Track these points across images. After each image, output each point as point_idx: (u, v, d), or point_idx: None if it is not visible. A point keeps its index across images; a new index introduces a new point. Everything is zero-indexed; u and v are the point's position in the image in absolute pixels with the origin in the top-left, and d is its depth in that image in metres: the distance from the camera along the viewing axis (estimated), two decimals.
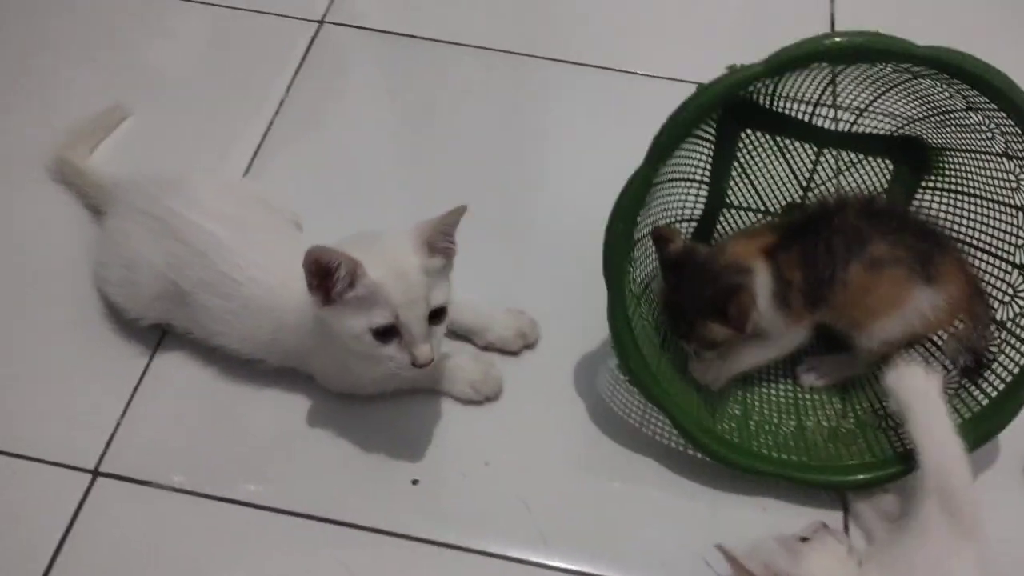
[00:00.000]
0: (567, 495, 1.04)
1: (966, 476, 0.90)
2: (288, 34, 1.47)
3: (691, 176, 1.12)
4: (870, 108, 1.04)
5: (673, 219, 1.12)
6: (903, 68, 0.88)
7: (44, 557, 0.96)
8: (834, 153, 1.11)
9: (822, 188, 1.13)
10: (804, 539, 0.90)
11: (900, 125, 1.06)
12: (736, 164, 1.13)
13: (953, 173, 1.07)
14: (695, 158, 1.10)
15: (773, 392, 1.12)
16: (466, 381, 1.09)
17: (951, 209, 1.07)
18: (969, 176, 1.04)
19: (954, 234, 1.05)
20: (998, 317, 1.02)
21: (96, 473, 1.02)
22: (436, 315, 0.93)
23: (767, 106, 1.07)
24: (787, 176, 1.14)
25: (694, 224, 1.15)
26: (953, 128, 1.00)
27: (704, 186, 1.14)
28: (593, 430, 1.09)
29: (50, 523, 0.99)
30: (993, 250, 1.02)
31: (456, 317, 1.11)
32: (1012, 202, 0.99)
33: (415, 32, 1.49)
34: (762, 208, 1.16)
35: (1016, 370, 0.97)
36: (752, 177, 1.13)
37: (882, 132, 1.08)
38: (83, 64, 1.42)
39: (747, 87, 0.88)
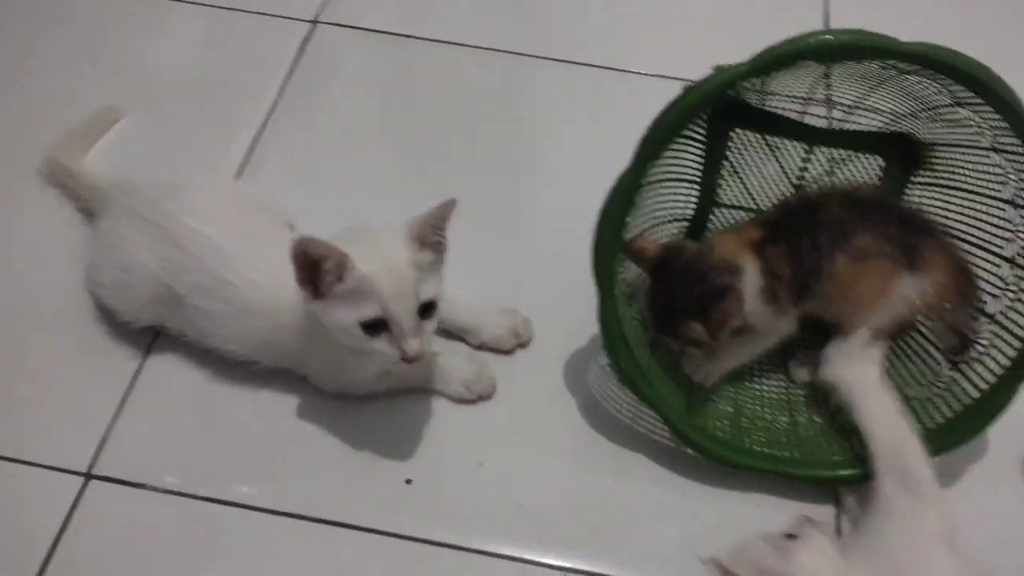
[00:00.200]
0: (561, 493, 1.04)
1: (917, 449, 0.94)
2: (281, 34, 1.47)
3: (682, 176, 1.12)
4: (859, 105, 1.04)
5: (664, 219, 1.12)
6: (890, 65, 0.88)
7: (36, 560, 0.96)
8: (824, 151, 1.11)
9: (813, 186, 1.13)
10: (791, 536, 0.90)
11: (889, 122, 1.06)
12: (726, 163, 1.13)
13: (943, 168, 1.07)
14: (686, 158, 1.10)
15: (765, 389, 1.11)
16: (460, 380, 1.09)
17: (941, 204, 1.07)
18: (958, 171, 1.05)
19: (944, 229, 1.05)
20: (989, 310, 1.02)
21: (89, 476, 1.02)
22: (426, 309, 0.93)
23: (757, 105, 1.07)
24: (778, 174, 1.14)
25: (686, 224, 1.15)
26: (941, 124, 1.00)
27: (695, 186, 1.14)
28: (586, 428, 1.09)
29: (43, 526, 0.99)
30: (983, 244, 1.03)
31: (449, 316, 1.12)
32: (1000, 196, 0.99)
33: (409, 32, 1.49)
34: (753, 207, 1.16)
35: (1007, 362, 0.97)
36: (743, 176, 1.13)
37: (872, 129, 1.08)
38: (75, 66, 1.41)
39: (734, 87, 0.87)
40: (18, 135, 1.31)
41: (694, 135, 1.08)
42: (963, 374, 1.02)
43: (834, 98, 1.04)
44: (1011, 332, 0.98)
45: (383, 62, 1.48)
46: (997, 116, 0.86)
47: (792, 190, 1.14)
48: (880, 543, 0.91)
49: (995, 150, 0.95)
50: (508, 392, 1.11)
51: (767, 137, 1.11)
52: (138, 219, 1.06)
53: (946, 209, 1.06)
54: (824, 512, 1.03)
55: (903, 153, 1.09)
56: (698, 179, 1.14)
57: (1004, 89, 0.84)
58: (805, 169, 1.13)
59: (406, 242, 0.91)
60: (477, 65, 1.46)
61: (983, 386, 0.99)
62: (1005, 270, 1.00)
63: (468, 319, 1.13)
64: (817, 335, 1.08)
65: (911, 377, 1.08)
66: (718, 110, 1.06)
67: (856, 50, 0.83)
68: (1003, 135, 0.90)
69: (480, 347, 1.14)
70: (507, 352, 1.14)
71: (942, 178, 1.07)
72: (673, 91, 0.87)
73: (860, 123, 1.08)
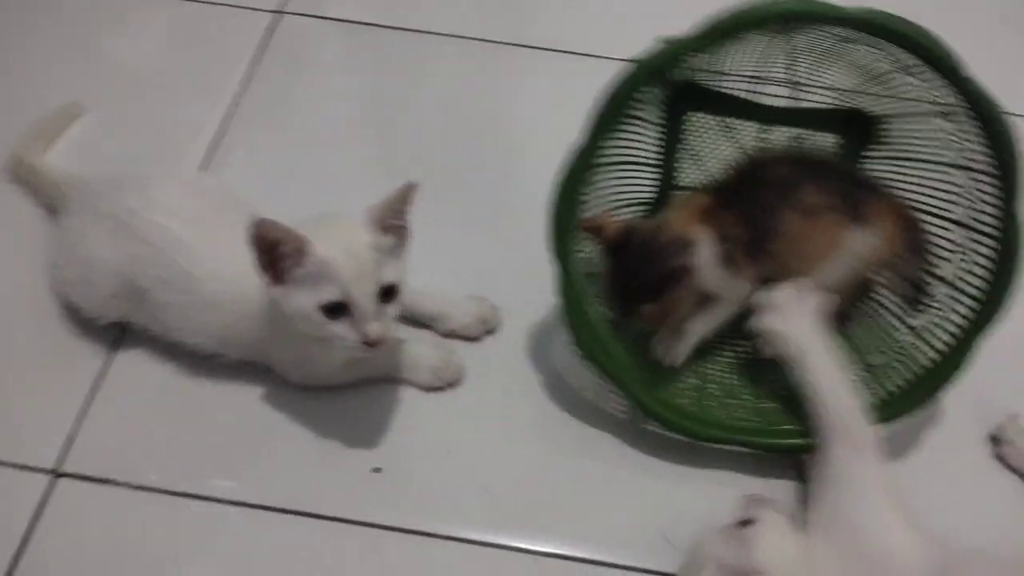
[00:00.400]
0: (529, 477, 1.05)
1: (857, 407, 0.94)
2: (245, 25, 1.46)
3: (641, 160, 1.12)
4: (811, 83, 1.04)
5: (626, 203, 1.12)
6: (835, 34, 0.88)
7: (5, 560, 0.96)
8: (780, 130, 1.12)
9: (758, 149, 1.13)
10: (745, 522, 0.90)
11: (841, 97, 1.07)
12: (684, 146, 1.13)
13: (894, 140, 1.08)
14: (644, 141, 1.10)
15: (729, 358, 1.12)
16: (428, 368, 1.09)
17: (896, 175, 1.07)
18: (908, 141, 1.06)
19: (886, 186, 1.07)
20: (943, 274, 1.03)
21: (57, 474, 1.02)
22: (388, 293, 0.93)
23: (710, 87, 1.07)
24: (735, 155, 1.14)
25: (647, 207, 1.15)
26: (890, 96, 1.00)
27: (655, 169, 1.14)
28: (554, 411, 1.10)
29: (10, 525, 0.98)
30: (936, 210, 1.04)
31: (417, 305, 1.12)
32: (946, 160, 1.00)
33: (375, 20, 1.49)
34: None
35: (963, 322, 0.99)
36: (701, 158, 1.13)
37: (825, 106, 1.08)
38: (37, 62, 1.40)
39: (681, 59, 0.87)
40: None
41: (652, 119, 1.08)
42: (922, 339, 1.04)
43: (784, 75, 1.05)
44: (964, 292, 0.99)
45: (350, 51, 1.47)
46: (939, 77, 0.87)
47: None
48: (833, 511, 0.91)
49: (942, 115, 0.96)
50: (477, 379, 1.11)
51: (723, 119, 1.11)
52: (99, 214, 1.05)
53: (901, 179, 1.07)
54: (787, 488, 1.04)
55: (857, 129, 1.10)
56: (658, 163, 1.14)
57: (944, 51, 0.84)
58: (762, 149, 1.14)
59: (366, 226, 0.92)
60: (445, 53, 1.46)
61: (941, 347, 1.01)
62: (957, 233, 1.01)
63: (436, 307, 1.13)
64: None
65: (872, 345, 1.09)
66: (673, 93, 1.06)
67: (800, 17, 0.84)
68: (945, 97, 0.91)
69: (448, 335, 1.14)
70: (475, 339, 1.14)
71: (894, 149, 1.08)
72: None
73: (814, 101, 1.08)
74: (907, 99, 0.99)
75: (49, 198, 1.20)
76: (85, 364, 1.10)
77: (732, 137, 1.11)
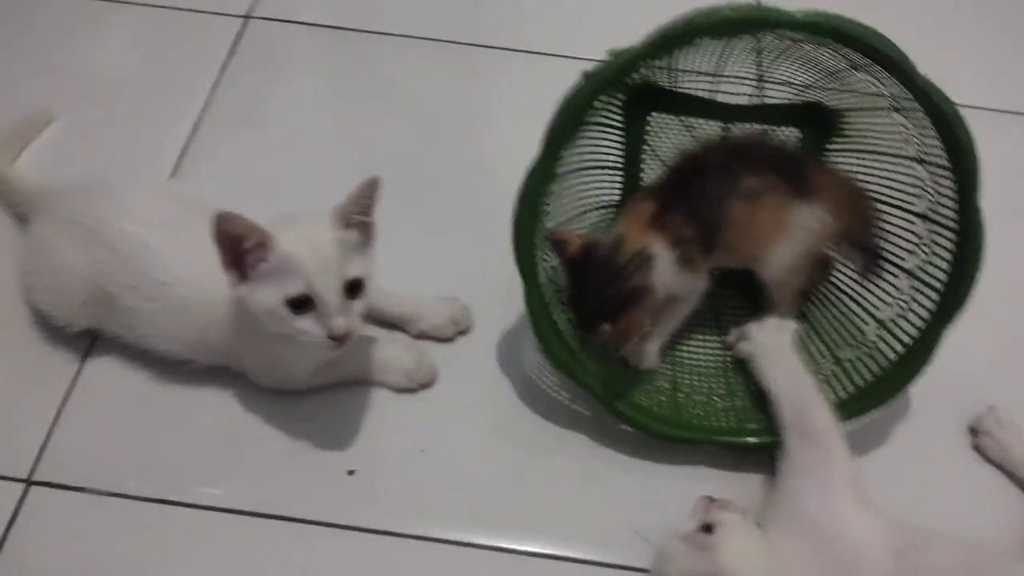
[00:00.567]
0: (503, 476, 1.05)
1: (817, 402, 0.97)
2: (213, 31, 1.47)
3: (604, 163, 1.13)
4: (768, 79, 1.05)
5: (591, 207, 1.13)
6: (789, 36, 0.89)
7: None
8: (741, 127, 1.12)
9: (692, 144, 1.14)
10: (706, 528, 0.90)
11: (799, 92, 1.08)
12: (646, 147, 1.13)
13: (854, 133, 1.09)
14: (606, 146, 1.11)
15: (702, 359, 1.13)
16: (400, 370, 1.09)
17: (857, 168, 1.09)
18: (868, 135, 1.07)
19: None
20: (907, 266, 1.04)
21: (29, 482, 1.02)
22: (354, 289, 0.93)
23: (668, 87, 1.08)
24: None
25: (613, 210, 1.16)
26: (846, 90, 1.01)
27: (618, 172, 1.15)
28: (527, 410, 1.10)
29: None
30: (898, 203, 1.05)
31: (388, 307, 1.13)
32: (907, 154, 1.01)
33: (344, 24, 1.49)
34: None
35: (927, 315, 1.00)
36: (663, 158, 1.14)
37: (784, 101, 1.10)
38: (5, 70, 1.40)
39: (633, 69, 0.88)
40: None
41: (611, 122, 1.09)
42: (890, 332, 1.05)
43: (742, 73, 1.06)
44: (929, 285, 1.00)
45: (319, 55, 1.48)
46: (891, 76, 0.88)
47: None
48: (792, 502, 0.92)
49: (896, 110, 0.97)
50: (449, 379, 1.12)
51: (683, 118, 1.12)
52: (68, 222, 1.05)
53: (862, 172, 1.08)
54: (763, 483, 1.05)
55: (817, 122, 1.11)
56: (621, 165, 1.14)
57: (892, 49, 0.85)
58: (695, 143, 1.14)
59: (330, 222, 0.92)
60: (415, 56, 1.46)
61: (907, 340, 1.02)
62: (920, 226, 1.02)
63: (407, 308, 1.14)
64: (745, 296, 1.13)
65: (841, 339, 1.10)
66: (632, 95, 1.07)
67: (750, 24, 0.85)
68: (900, 94, 0.92)
69: (420, 336, 1.14)
70: (448, 340, 1.15)
71: (854, 142, 1.09)
72: None
73: (773, 97, 1.09)
74: (865, 94, 1.00)
75: (18, 206, 1.19)
76: (57, 372, 1.09)
77: (694, 136, 1.12)
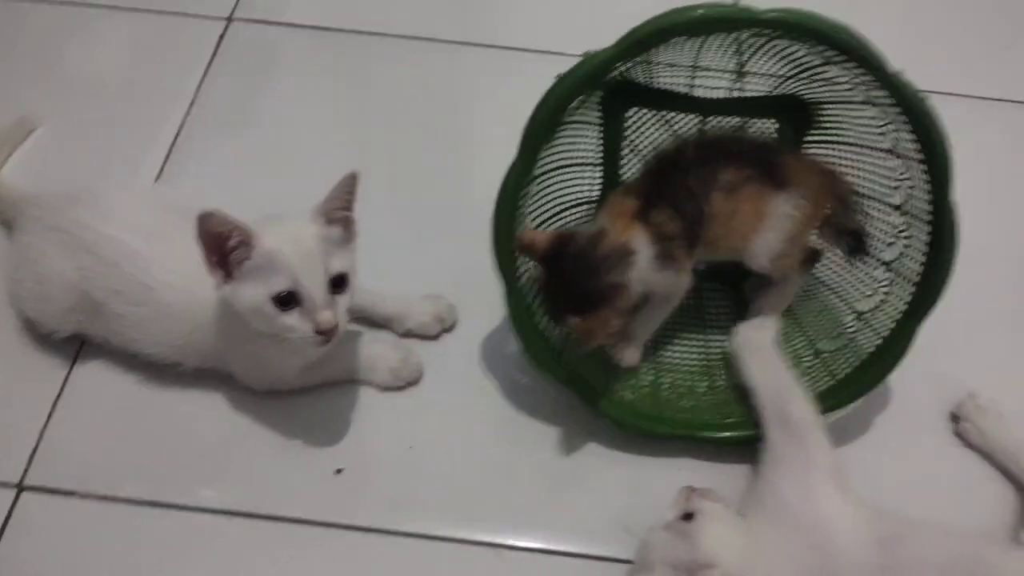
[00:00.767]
0: (490, 471, 1.06)
1: (796, 393, 0.99)
2: (196, 34, 1.46)
3: (583, 160, 1.13)
4: (744, 71, 1.06)
5: (571, 203, 1.14)
6: (760, 33, 0.90)
7: None
8: (719, 120, 1.13)
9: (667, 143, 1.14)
10: (687, 516, 0.91)
11: (776, 85, 1.09)
12: (626, 143, 1.14)
13: (830, 125, 1.10)
14: (584, 142, 1.12)
15: (684, 359, 1.14)
16: (386, 368, 1.10)
17: (834, 160, 1.09)
18: (843, 126, 1.07)
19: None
20: (885, 258, 1.05)
21: (21, 487, 1.03)
22: (338, 284, 0.94)
23: (645, 83, 1.08)
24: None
25: (593, 206, 1.16)
26: (821, 83, 1.02)
27: (599, 168, 1.15)
28: (513, 406, 1.11)
29: None
30: (875, 195, 1.06)
31: (374, 306, 1.14)
32: (882, 146, 1.02)
33: (327, 24, 1.49)
34: None
35: (904, 307, 1.00)
36: (643, 153, 1.14)
37: (761, 94, 1.10)
38: None
39: (607, 70, 0.89)
40: None
41: (589, 119, 1.10)
42: (868, 324, 1.06)
43: (720, 66, 1.06)
44: (905, 278, 1.01)
45: (304, 56, 1.48)
46: (864, 71, 0.89)
47: None
48: (772, 492, 0.94)
49: (870, 103, 0.98)
50: (435, 376, 1.13)
51: (661, 113, 1.12)
52: (53, 230, 1.06)
53: (839, 163, 1.09)
54: (742, 471, 1.06)
55: (795, 115, 1.11)
56: (600, 161, 1.15)
57: (862, 46, 0.86)
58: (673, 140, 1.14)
59: (312, 219, 0.94)
60: (399, 55, 1.46)
61: (884, 333, 1.03)
62: (896, 218, 1.03)
63: (392, 307, 1.15)
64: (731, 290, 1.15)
65: (822, 331, 1.11)
66: (610, 92, 1.07)
67: (723, 23, 0.85)
68: (872, 89, 0.93)
69: (406, 335, 1.15)
70: (433, 338, 1.15)
71: (831, 134, 1.10)
72: None
73: (750, 90, 1.10)
74: (840, 88, 1.01)
75: (4, 214, 1.20)
76: (46, 377, 1.10)
77: (672, 131, 1.13)
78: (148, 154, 1.32)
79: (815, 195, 1.02)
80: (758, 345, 1.05)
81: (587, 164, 1.14)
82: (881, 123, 1.00)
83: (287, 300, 0.92)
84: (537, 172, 1.00)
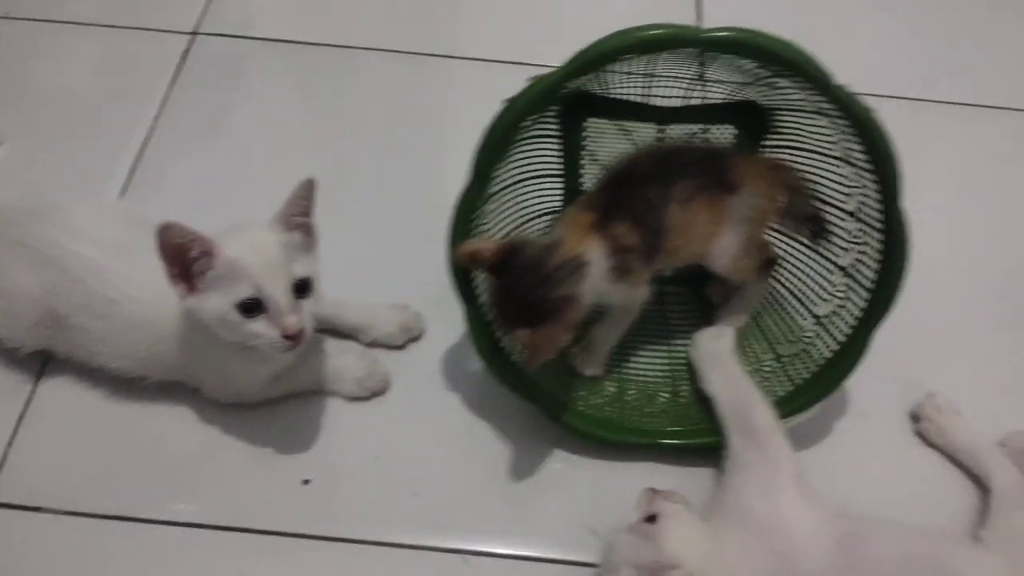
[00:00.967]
0: (458, 479, 1.07)
1: (756, 400, 1.01)
2: (160, 48, 1.47)
3: (544, 172, 1.14)
4: (700, 78, 1.07)
5: (534, 215, 1.15)
6: (709, 51, 0.92)
7: None
8: (678, 127, 1.14)
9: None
10: (651, 518, 0.92)
11: (732, 92, 1.10)
12: (585, 153, 1.15)
13: (786, 131, 1.11)
14: (544, 155, 1.13)
15: (648, 370, 1.16)
16: (352, 379, 1.11)
17: (793, 164, 1.10)
18: (799, 132, 1.09)
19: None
20: (841, 263, 1.07)
21: None
22: (302, 289, 0.95)
23: (601, 94, 1.09)
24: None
25: (556, 216, 1.16)
26: (775, 91, 1.04)
27: (559, 179, 1.16)
28: (479, 414, 1.12)
29: None
30: (830, 200, 1.07)
31: (339, 316, 1.14)
32: (834, 154, 1.04)
33: (292, 37, 1.50)
34: None
35: (859, 313, 1.02)
36: (602, 162, 1.15)
37: (718, 101, 1.11)
38: None
39: (554, 94, 0.91)
40: None
41: (547, 132, 1.11)
42: (825, 328, 1.08)
43: (676, 73, 1.07)
44: (860, 284, 1.03)
45: (268, 69, 1.48)
46: (811, 86, 0.91)
47: None
48: (735, 497, 0.96)
49: (820, 113, 1.00)
50: (402, 386, 1.13)
51: (619, 122, 1.13)
52: (16, 245, 1.06)
53: (795, 168, 1.10)
54: (706, 475, 1.07)
55: (751, 120, 1.13)
56: (561, 172, 1.16)
57: (810, 64, 0.87)
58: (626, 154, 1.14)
59: (272, 226, 0.95)
60: (365, 67, 1.47)
61: (841, 338, 1.05)
62: (851, 224, 1.05)
63: (359, 317, 1.15)
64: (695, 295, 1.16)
65: (782, 335, 1.13)
66: (566, 104, 1.09)
67: (669, 44, 0.87)
68: (821, 100, 0.94)
69: (372, 344, 1.16)
70: (399, 347, 1.16)
71: (787, 140, 1.11)
72: None
73: (708, 96, 1.11)
74: (793, 98, 1.03)
75: None
76: (11, 393, 1.10)
77: (630, 139, 1.14)
78: (113, 168, 1.32)
79: (766, 191, 1.04)
80: (717, 355, 1.07)
81: (547, 176, 1.15)
82: (831, 132, 1.02)
83: (252, 307, 0.93)
84: (496, 188, 1.02)
